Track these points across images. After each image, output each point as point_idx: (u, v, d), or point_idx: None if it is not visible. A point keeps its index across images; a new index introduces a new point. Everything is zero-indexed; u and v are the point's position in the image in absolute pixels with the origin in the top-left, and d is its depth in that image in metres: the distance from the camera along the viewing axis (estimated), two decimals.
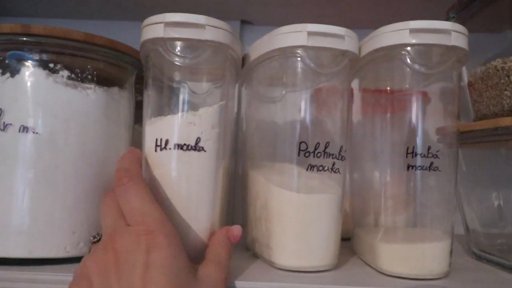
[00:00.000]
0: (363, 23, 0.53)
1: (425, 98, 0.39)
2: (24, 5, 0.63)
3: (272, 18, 0.64)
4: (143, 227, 0.29)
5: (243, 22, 0.66)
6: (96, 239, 0.34)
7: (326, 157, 0.36)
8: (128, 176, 0.31)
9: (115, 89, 0.40)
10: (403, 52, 0.36)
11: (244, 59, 0.43)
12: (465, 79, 0.49)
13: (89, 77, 0.38)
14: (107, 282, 0.27)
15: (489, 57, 0.44)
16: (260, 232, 0.39)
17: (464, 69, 0.49)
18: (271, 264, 0.38)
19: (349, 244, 0.46)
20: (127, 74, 0.42)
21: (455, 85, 0.38)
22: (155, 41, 0.35)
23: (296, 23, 0.36)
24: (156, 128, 0.36)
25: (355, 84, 0.45)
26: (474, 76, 0.46)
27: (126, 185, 0.31)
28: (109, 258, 0.28)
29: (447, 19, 0.49)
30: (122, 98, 0.41)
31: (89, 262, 0.29)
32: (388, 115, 0.39)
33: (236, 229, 0.35)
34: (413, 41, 0.35)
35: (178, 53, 0.35)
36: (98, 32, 0.38)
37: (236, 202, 0.51)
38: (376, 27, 0.37)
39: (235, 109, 0.48)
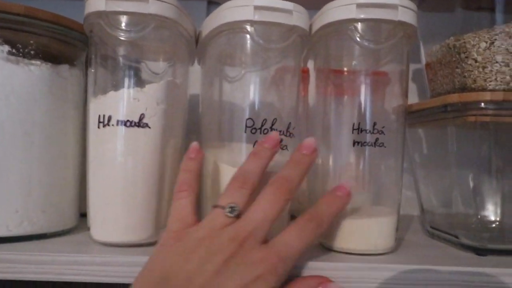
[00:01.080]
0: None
1: (380, 79, 0.39)
2: None
3: None
4: (275, 261, 0.29)
5: (210, 2, 0.65)
6: (232, 215, 0.31)
7: None
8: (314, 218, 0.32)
9: (64, 67, 0.39)
10: (351, 28, 0.36)
11: (198, 36, 0.42)
12: (423, 59, 0.49)
13: (32, 52, 0.37)
14: (205, 262, 0.28)
15: (446, 36, 0.44)
16: (208, 210, 0.39)
17: (422, 49, 0.49)
18: None
19: None
20: (76, 51, 0.41)
21: (405, 64, 0.38)
22: (97, 14, 0.34)
23: None
24: (99, 105, 0.35)
25: (310, 65, 0.45)
26: (430, 56, 0.46)
27: (306, 228, 0.31)
28: (226, 249, 0.28)
29: None
30: (71, 76, 0.40)
31: (218, 220, 0.30)
32: (340, 94, 0.39)
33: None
34: (361, 16, 0.35)
35: (122, 27, 0.35)
36: (49, 8, 0.37)
37: None
38: None
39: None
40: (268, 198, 0.31)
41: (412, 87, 0.62)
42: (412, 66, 0.56)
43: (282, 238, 0.30)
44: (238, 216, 0.30)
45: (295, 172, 0.33)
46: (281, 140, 0.37)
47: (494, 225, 0.45)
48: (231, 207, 0.30)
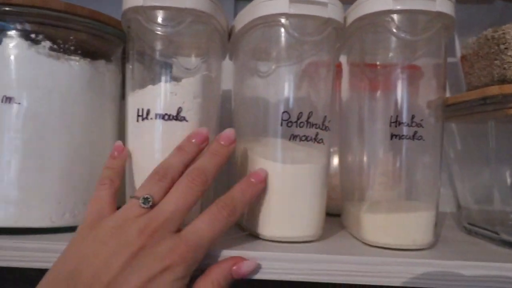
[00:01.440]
0: None
1: (415, 72, 0.39)
2: None
3: None
4: (184, 249, 0.29)
5: None
6: (145, 206, 0.31)
7: (309, 127, 0.36)
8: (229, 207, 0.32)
9: (101, 62, 0.40)
10: (387, 19, 0.35)
11: (231, 31, 0.42)
12: (458, 52, 0.48)
13: (72, 48, 0.38)
14: (114, 256, 0.28)
15: (483, 28, 0.43)
16: None
17: (457, 42, 0.48)
18: (257, 235, 0.38)
19: (340, 219, 0.46)
20: (113, 47, 0.42)
21: (442, 57, 0.37)
22: (135, 9, 0.35)
23: None
24: (138, 99, 0.36)
25: (343, 59, 0.45)
26: (466, 48, 0.45)
27: (222, 216, 0.32)
28: (135, 242, 0.29)
29: None
30: (108, 71, 0.41)
31: (131, 210, 0.31)
32: (375, 88, 0.39)
33: (248, 265, 0.32)
34: (397, 7, 0.35)
35: (159, 22, 0.35)
36: (90, 4, 0.38)
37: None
38: None
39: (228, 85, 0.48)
40: (182, 190, 0.31)
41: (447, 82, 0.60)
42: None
43: (193, 227, 0.31)
44: (151, 208, 0.31)
45: (211, 163, 0.33)
46: (317, 134, 0.37)
47: None
48: (145, 198, 0.31)
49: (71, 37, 0.38)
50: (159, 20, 0.35)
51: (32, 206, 0.36)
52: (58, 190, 0.36)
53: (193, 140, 0.34)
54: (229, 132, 0.35)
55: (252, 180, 0.35)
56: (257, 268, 0.33)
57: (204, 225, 0.31)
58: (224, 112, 0.47)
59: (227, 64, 0.45)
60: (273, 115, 0.37)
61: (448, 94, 0.59)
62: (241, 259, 0.32)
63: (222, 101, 0.44)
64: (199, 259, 0.31)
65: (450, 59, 0.54)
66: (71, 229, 0.37)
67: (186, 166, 0.33)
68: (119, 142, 0.36)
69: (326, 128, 0.37)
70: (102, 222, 0.31)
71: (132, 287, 0.27)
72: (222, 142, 0.34)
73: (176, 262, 0.29)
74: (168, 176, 0.32)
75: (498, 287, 0.33)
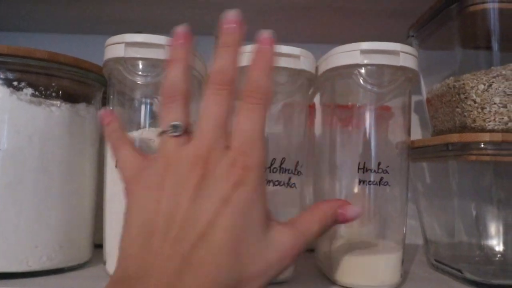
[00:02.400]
0: (333, 39, 0.55)
1: (385, 113, 0.41)
2: None
3: (247, 33, 0.65)
4: (242, 159, 0.26)
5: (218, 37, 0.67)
6: (177, 133, 0.27)
7: (282, 172, 0.38)
8: (261, 97, 0.27)
9: (82, 105, 0.41)
10: (355, 72, 0.38)
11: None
12: (424, 95, 0.51)
13: (54, 94, 0.39)
14: (177, 196, 0.25)
15: (446, 74, 0.46)
16: None
17: (423, 85, 0.51)
18: None
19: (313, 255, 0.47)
20: (94, 91, 0.43)
21: (407, 103, 0.40)
22: (116, 60, 0.36)
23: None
24: None
25: (317, 99, 0.47)
26: (431, 93, 0.48)
27: (253, 105, 0.27)
28: (192, 175, 0.25)
29: (408, 38, 0.51)
30: (88, 114, 0.42)
31: (169, 147, 0.27)
32: (345, 129, 0.41)
33: (351, 210, 0.30)
34: (364, 61, 0.37)
35: (139, 72, 0.37)
36: (70, 46, 0.39)
37: None
38: (344, 43, 0.38)
39: None
40: (213, 100, 0.27)
41: (415, 118, 0.63)
42: (415, 98, 0.58)
43: (237, 132, 0.27)
44: (186, 133, 0.27)
45: (227, 60, 0.29)
46: (289, 178, 0.38)
47: (497, 258, 0.46)
48: (173, 126, 0.27)
49: (53, 84, 0.39)
50: (139, 70, 0.37)
51: (9, 251, 0.36)
52: (35, 234, 0.37)
53: (180, 42, 0.30)
54: (231, 14, 0.29)
55: (262, 47, 0.29)
56: (361, 213, 0.30)
57: (244, 125, 0.27)
58: None
59: None
60: None
61: (418, 132, 0.62)
62: (347, 202, 0.30)
63: None
64: (262, 159, 0.26)
65: (418, 97, 0.57)
66: (47, 272, 0.37)
67: (188, 74, 0.29)
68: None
69: (298, 173, 0.39)
70: (144, 172, 0.27)
71: (210, 215, 0.24)
72: (229, 30, 0.29)
73: (242, 175, 0.25)
74: (177, 92, 0.28)
75: None
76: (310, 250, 0.48)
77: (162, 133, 0.28)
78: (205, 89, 0.28)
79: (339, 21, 0.58)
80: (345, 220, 0.29)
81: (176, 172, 0.26)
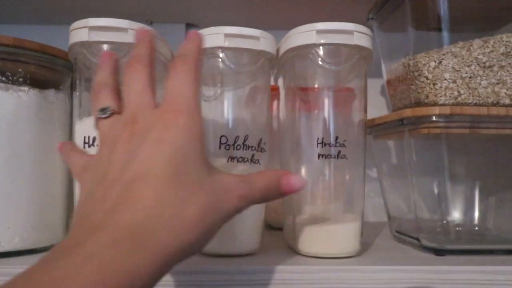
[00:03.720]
0: (299, 24, 0.56)
1: (342, 94, 0.43)
2: None
3: (217, 21, 0.66)
4: (171, 106, 0.26)
5: (188, 25, 0.69)
6: (106, 115, 0.29)
7: (246, 149, 0.39)
8: (188, 61, 0.28)
9: (50, 91, 0.42)
10: (313, 51, 0.39)
11: None
12: (385, 76, 0.53)
13: (21, 79, 0.40)
14: (113, 151, 0.25)
15: (403, 55, 0.48)
16: None
17: (383, 67, 0.53)
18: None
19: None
20: (62, 77, 0.44)
21: (363, 82, 0.42)
22: (81, 44, 0.37)
23: (239, 25, 0.39)
24: (84, 127, 0.38)
25: (280, 82, 0.49)
26: (390, 73, 0.50)
27: (181, 67, 0.27)
28: (124, 132, 0.26)
29: (367, 20, 0.53)
30: (57, 100, 0.43)
31: (103, 128, 0.28)
32: (306, 110, 0.42)
33: (295, 178, 0.29)
34: (321, 41, 0.39)
35: None
36: (36, 36, 0.40)
37: None
38: None
39: None
40: (132, 77, 0.28)
41: (381, 100, 0.65)
42: (380, 81, 0.60)
43: (167, 91, 0.27)
44: (115, 112, 0.29)
45: (142, 49, 0.30)
46: (253, 155, 0.40)
47: (452, 228, 0.49)
48: (101, 109, 0.29)
49: (20, 69, 0.40)
50: None
51: None
52: (7, 216, 0.38)
53: (106, 59, 0.32)
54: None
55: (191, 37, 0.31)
56: (305, 183, 0.30)
57: (172, 85, 0.27)
58: None
59: None
60: (213, 138, 0.40)
61: (384, 113, 0.64)
62: (289, 172, 0.30)
63: None
64: (194, 105, 0.26)
65: (382, 81, 0.59)
66: (20, 253, 0.38)
67: (117, 70, 0.32)
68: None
69: (261, 150, 0.40)
70: (88, 162, 0.28)
71: (145, 154, 0.24)
72: (140, 34, 0.31)
73: (173, 117, 0.25)
74: (103, 86, 0.30)
75: (415, 287, 0.37)
76: (279, 228, 0.50)
77: (96, 120, 0.29)
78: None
79: (301, 6, 0.60)
80: (290, 188, 0.29)
81: (111, 141, 0.26)
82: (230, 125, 0.40)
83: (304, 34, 0.39)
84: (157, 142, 0.24)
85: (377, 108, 0.61)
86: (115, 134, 0.27)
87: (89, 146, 0.37)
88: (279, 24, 0.63)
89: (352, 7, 0.58)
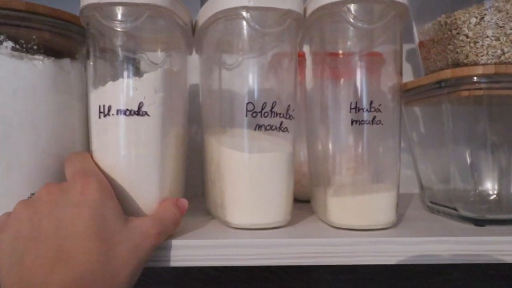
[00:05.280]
0: None
1: (376, 59, 0.39)
2: None
3: None
4: (80, 174, 0.31)
5: None
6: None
7: (274, 117, 0.36)
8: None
9: (66, 60, 0.40)
10: (344, 9, 0.36)
11: (195, 26, 0.42)
12: (416, 38, 0.49)
13: (35, 47, 0.37)
14: (38, 218, 0.29)
15: (438, 14, 0.44)
16: (214, 194, 0.39)
17: (415, 29, 0.49)
18: (225, 223, 0.38)
19: (309, 206, 0.47)
20: (77, 45, 0.41)
21: (398, 43, 0.38)
22: (92, 7, 0.34)
23: None
24: (99, 95, 0.35)
25: (306, 49, 0.45)
26: (423, 34, 0.46)
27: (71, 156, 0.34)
28: (42, 202, 0.30)
29: None
30: (73, 69, 0.40)
31: (20, 207, 0.30)
32: (337, 77, 0.39)
33: (184, 201, 0.36)
34: None
35: (116, 18, 0.34)
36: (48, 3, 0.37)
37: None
38: None
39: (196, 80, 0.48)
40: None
41: (407, 67, 0.62)
42: (406, 46, 0.56)
43: (67, 171, 0.33)
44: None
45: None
46: (281, 123, 0.37)
47: (491, 198, 0.46)
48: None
49: (34, 37, 0.37)
50: (116, 16, 0.34)
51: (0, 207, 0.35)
52: (25, 190, 0.36)
53: None
54: None
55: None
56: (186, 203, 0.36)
57: (71, 163, 0.34)
58: (194, 107, 0.47)
59: (195, 59, 0.45)
60: (238, 106, 0.37)
61: (410, 79, 0.61)
62: (179, 198, 0.36)
63: (190, 96, 0.44)
64: (94, 169, 0.33)
65: (410, 46, 0.55)
66: None
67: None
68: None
69: (290, 117, 0.37)
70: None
71: (68, 217, 0.29)
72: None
73: (83, 183, 0.30)
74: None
75: (455, 259, 0.34)
76: (307, 201, 0.48)
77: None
78: None
79: None
80: (184, 209, 0.35)
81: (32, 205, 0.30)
82: (256, 92, 0.37)
83: None
84: (76, 205, 0.29)
85: (404, 75, 0.57)
86: (33, 203, 0.30)
87: (105, 115, 0.35)
88: None
89: None
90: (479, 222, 0.39)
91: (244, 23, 0.36)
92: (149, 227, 0.31)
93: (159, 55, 0.39)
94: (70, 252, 0.27)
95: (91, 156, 0.35)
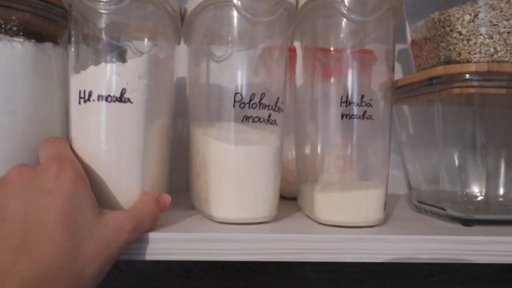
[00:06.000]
0: None
1: (367, 56, 0.38)
2: None
3: None
4: (56, 161, 0.29)
5: None
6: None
7: (262, 108, 0.35)
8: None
9: (48, 44, 0.38)
10: (338, 0, 0.35)
11: (184, 14, 0.41)
12: (409, 37, 0.48)
13: (15, 28, 0.35)
14: (5, 200, 0.27)
15: (431, 12, 0.43)
16: (199, 187, 0.38)
17: (407, 29, 0.48)
18: (210, 217, 0.37)
19: (296, 203, 0.46)
20: (59, 29, 0.39)
21: (391, 40, 0.37)
22: None
23: None
24: (80, 80, 0.33)
25: (297, 44, 0.44)
26: (415, 32, 0.45)
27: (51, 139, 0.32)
28: (12, 183, 0.28)
29: None
30: (56, 54, 0.38)
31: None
32: (328, 72, 0.38)
33: (166, 197, 0.34)
34: None
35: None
36: None
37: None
38: None
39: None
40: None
41: (398, 67, 0.61)
42: (398, 46, 0.56)
43: (41, 155, 0.32)
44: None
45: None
46: (270, 115, 0.36)
47: (479, 198, 0.45)
48: None
49: (14, 17, 0.35)
50: None
51: None
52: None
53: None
54: None
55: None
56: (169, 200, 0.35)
57: (45, 150, 0.32)
58: (181, 99, 0.45)
59: (183, 50, 0.44)
60: (226, 97, 0.35)
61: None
62: (161, 193, 0.34)
63: (177, 88, 0.42)
64: (70, 156, 0.31)
65: (401, 46, 0.54)
66: None
67: None
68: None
69: (279, 110, 0.36)
70: None
71: (38, 204, 0.27)
72: None
73: (58, 170, 0.29)
74: None
75: (442, 258, 0.33)
76: (293, 198, 0.47)
77: None
78: None
79: None
80: (166, 205, 0.34)
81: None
82: (245, 84, 0.35)
83: None
84: (49, 192, 0.27)
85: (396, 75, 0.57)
86: (6, 179, 0.28)
87: (85, 101, 0.33)
88: None
89: None
90: (467, 222, 0.38)
91: (235, 11, 0.35)
92: (124, 222, 0.29)
93: (145, 44, 0.37)
94: (37, 241, 0.25)
95: (70, 144, 0.34)
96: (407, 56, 0.51)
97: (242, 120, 0.35)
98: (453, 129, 0.43)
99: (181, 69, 0.43)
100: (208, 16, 0.37)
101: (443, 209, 0.40)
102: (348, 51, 0.37)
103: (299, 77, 0.44)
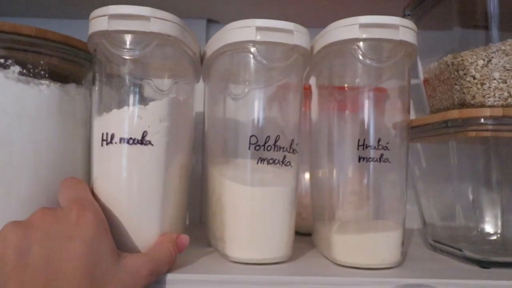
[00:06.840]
0: (326, 22, 0.52)
1: (381, 94, 0.39)
2: None
3: (238, 17, 0.63)
4: (76, 205, 0.29)
5: (210, 21, 0.65)
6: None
7: (277, 150, 0.36)
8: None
9: (71, 86, 0.39)
10: (354, 47, 0.35)
11: (203, 56, 0.42)
12: (421, 75, 0.49)
13: (42, 72, 0.36)
14: (27, 244, 0.27)
15: (443, 53, 0.44)
16: (215, 227, 0.38)
17: (419, 66, 0.49)
18: (225, 257, 0.37)
19: (310, 239, 0.45)
20: (83, 70, 0.40)
21: (406, 81, 0.38)
22: (101, 34, 0.34)
23: None
24: (102, 123, 0.34)
25: (313, 81, 0.45)
26: (428, 72, 0.46)
27: (71, 180, 0.33)
28: (34, 227, 0.28)
29: (403, 17, 0.48)
30: (79, 95, 0.39)
31: (10, 228, 0.28)
32: (343, 110, 0.39)
33: (185, 238, 0.34)
34: (363, 35, 0.35)
35: (124, 46, 0.34)
36: (57, 30, 0.37)
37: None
38: None
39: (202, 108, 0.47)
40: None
41: (410, 102, 0.61)
42: (411, 82, 0.56)
43: (61, 199, 0.32)
44: None
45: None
46: (284, 157, 0.36)
47: (495, 237, 0.44)
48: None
49: (42, 62, 0.36)
50: (125, 44, 0.34)
51: None
52: (23, 217, 0.34)
53: None
54: None
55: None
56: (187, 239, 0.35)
57: (65, 192, 0.33)
58: (199, 134, 0.46)
59: (202, 87, 0.45)
60: (242, 138, 0.36)
61: (413, 115, 0.60)
62: (179, 234, 0.35)
63: (195, 123, 0.43)
64: (91, 201, 0.32)
65: (413, 81, 0.55)
66: None
67: None
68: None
69: (293, 151, 0.36)
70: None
71: (59, 251, 0.27)
72: None
73: (79, 216, 0.29)
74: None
75: None
76: (307, 234, 0.46)
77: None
78: None
79: (328, 1, 0.56)
80: (184, 246, 0.34)
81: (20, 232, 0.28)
82: (260, 125, 0.36)
83: (346, 28, 0.35)
84: (69, 238, 0.27)
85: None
86: (29, 222, 0.29)
87: (107, 143, 0.34)
88: (304, 20, 0.59)
89: (384, 4, 0.54)
90: (484, 264, 0.37)
91: (251, 56, 0.36)
92: (141, 267, 0.30)
93: (166, 82, 0.38)
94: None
95: (92, 185, 0.34)
96: (419, 92, 0.51)
97: (258, 162, 0.35)
98: (467, 165, 0.43)
99: (199, 105, 0.44)
100: (226, 59, 0.38)
101: (460, 250, 0.39)
102: (364, 91, 0.37)
103: (315, 115, 0.45)
